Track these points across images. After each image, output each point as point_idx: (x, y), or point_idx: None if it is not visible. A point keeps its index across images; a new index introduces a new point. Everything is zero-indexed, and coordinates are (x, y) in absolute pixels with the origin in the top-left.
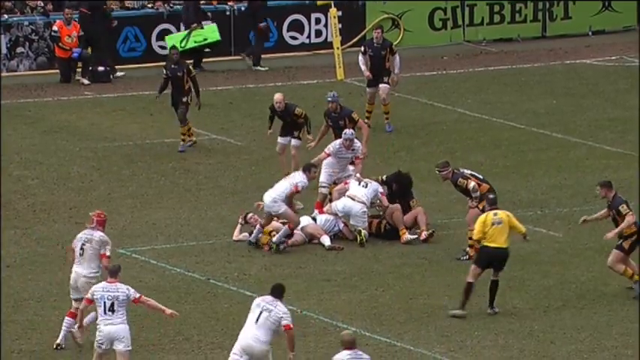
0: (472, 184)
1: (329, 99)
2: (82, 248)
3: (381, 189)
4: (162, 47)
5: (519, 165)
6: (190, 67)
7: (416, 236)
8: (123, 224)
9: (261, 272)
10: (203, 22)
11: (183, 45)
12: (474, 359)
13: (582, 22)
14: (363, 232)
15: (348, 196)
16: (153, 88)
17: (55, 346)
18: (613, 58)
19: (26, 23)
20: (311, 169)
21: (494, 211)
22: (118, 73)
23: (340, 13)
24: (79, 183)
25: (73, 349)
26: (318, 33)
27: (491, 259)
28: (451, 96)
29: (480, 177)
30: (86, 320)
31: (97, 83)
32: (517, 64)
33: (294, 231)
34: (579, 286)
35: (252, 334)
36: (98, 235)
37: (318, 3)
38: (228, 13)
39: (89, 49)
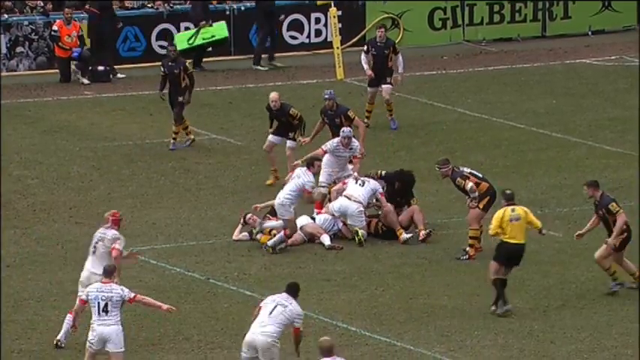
0: (470, 184)
1: (326, 96)
2: (94, 246)
3: (380, 189)
4: (162, 47)
5: (519, 165)
6: (187, 64)
7: (411, 235)
8: (122, 224)
9: (261, 272)
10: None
11: (191, 42)
12: (474, 359)
13: (582, 21)
14: (360, 232)
15: (345, 196)
16: (153, 88)
17: (55, 342)
18: (613, 57)
19: (26, 23)
20: (314, 164)
21: (512, 207)
22: (119, 75)
23: (340, 13)
24: (79, 183)
25: (73, 349)
26: (318, 32)
27: (511, 255)
28: (451, 96)
29: (480, 175)
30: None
31: (97, 83)
32: (517, 64)
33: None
34: (579, 285)
35: (259, 326)
36: (111, 233)
37: (318, 3)
38: (227, 12)
39: (89, 49)
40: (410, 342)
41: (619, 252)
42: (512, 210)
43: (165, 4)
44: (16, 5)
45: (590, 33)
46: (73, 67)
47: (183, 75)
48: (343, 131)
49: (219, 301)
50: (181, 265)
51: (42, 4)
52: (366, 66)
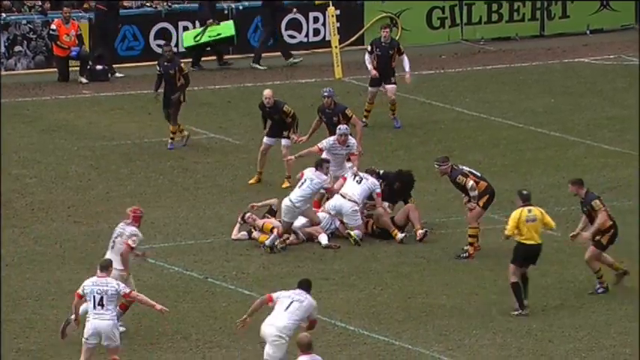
0: (470, 182)
1: (325, 94)
2: (113, 241)
3: (378, 188)
4: (160, 46)
5: (517, 164)
6: (183, 64)
7: (406, 234)
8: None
9: (260, 271)
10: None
11: (197, 39)
12: (472, 358)
13: (580, 20)
14: (353, 233)
15: (340, 194)
16: (151, 87)
17: (65, 321)
18: (611, 56)
19: (24, 22)
20: (323, 165)
21: (528, 208)
22: (117, 74)
23: (338, 12)
24: (77, 182)
25: (72, 348)
26: (317, 32)
27: (528, 255)
28: (449, 95)
29: (478, 174)
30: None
31: (95, 82)
32: (515, 63)
33: (291, 228)
34: (577, 285)
35: (274, 319)
36: (130, 229)
37: (316, 2)
38: (226, 11)
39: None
40: (408, 341)
41: (605, 250)
42: (529, 211)
43: (164, 3)
44: (14, 4)
45: (588, 32)
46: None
47: (179, 75)
48: (339, 129)
49: (217, 300)
50: (180, 264)
51: (40, 3)
52: (370, 66)
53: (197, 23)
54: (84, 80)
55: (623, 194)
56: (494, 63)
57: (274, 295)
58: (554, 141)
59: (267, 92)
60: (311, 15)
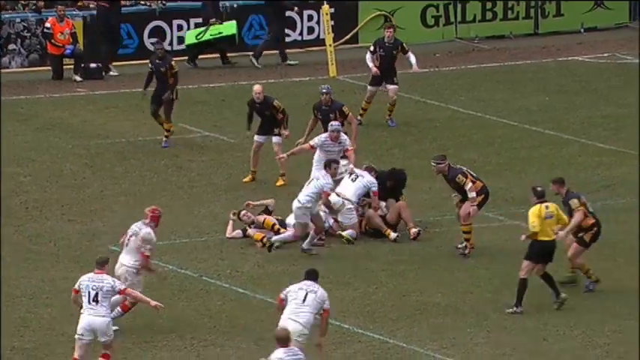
0: (470, 183)
1: (323, 90)
2: (128, 239)
3: (374, 185)
4: (153, 44)
5: (512, 162)
6: (174, 62)
7: (399, 234)
8: (116, 221)
9: (254, 269)
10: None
11: (199, 37)
12: (467, 356)
13: (574, 19)
14: (345, 234)
15: (335, 193)
16: (153, 86)
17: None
18: (605, 55)
19: (18, 20)
20: (331, 165)
21: (545, 204)
22: (112, 73)
23: (333, 10)
24: (72, 180)
25: (66, 346)
26: (311, 30)
27: (544, 252)
28: (444, 93)
29: (474, 174)
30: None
31: (90, 80)
32: (509, 62)
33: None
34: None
35: (294, 314)
36: (145, 231)
37: None
38: (221, 9)
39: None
40: (403, 339)
41: (588, 247)
42: (547, 207)
43: (158, 2)
44: (8, 2)
45: (582, 30)
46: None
47: (170, 73)
48: (332, 125)
49: (212, 298)
50: (174, 262)
51: (34, 1)
52: (371, 64)
53: (191, 21)
54: (78, 78)
55: (617, 193)
56: (488, 61)
57: (282, 294)
58: (548, 139)
59: (257, 87)
60: (305, 13)
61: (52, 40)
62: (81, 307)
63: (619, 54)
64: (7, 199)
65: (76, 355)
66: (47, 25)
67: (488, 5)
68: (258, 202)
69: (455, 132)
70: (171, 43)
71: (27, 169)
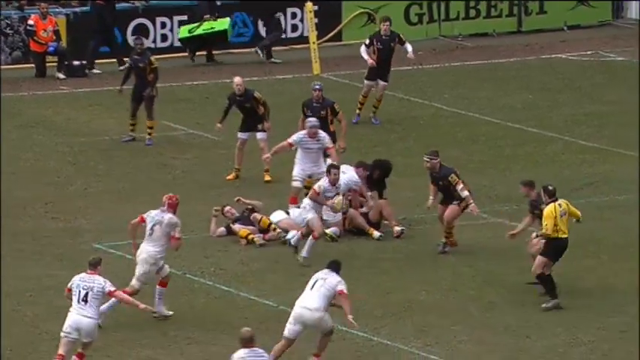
0: (461, 184)
1: (316, 87)
2: (152, 229)
3: (355, 185)
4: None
5: (496, 160)
6: (153, 58)
7: (382, 234)
8: (99, 219)
9: (238, 267)
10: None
11: (192, 32)
12: (451, 354)
13: (557, 17)
14: (329, 232)
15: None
16: (128, 83)
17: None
18: (588, 52)
19: (1, 17)
20: (331, 171)
21: (558, 203)
22: (95, 71)
23: (317, 8)
24: (55, 178)
25: (50, 344)
26: (294, 28)
27: (562, 249)
28: (427, 91)
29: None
30: (103, 308)
31: (73, 78)
32: (493, 59)
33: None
34: (556, 281)
35: (304, 301)
36: (168, 217)
37: None
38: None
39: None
40: (387, 337)
41: None
42: (559, 205)
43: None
44: None
45: (565, 28)
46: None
47: (149, 69)
48: (309, 121)
49: (196, 296)
50: None
51: None
52: (366, 56)
53: (174, 19)
54: (61, 76)
55: (601, 190)
56: (472, 59)
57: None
58: (532, 137)
59: (237, 79)
60: (289, 11)
61: (35, 38)
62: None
63: (602, 52)
64: None
65: (60, 352)
66: (30, 22)
67: (472, 3)
68: (249, 201)
69: (439, 130)
70: (154, 41)
71: (10, 166)
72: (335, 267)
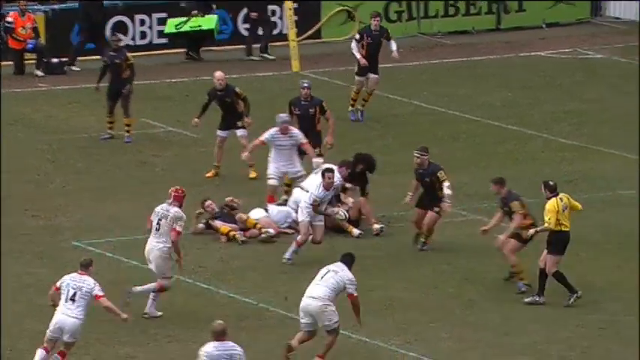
0: (448, 182)
1: (305, 84)
2: (158, 223)
3: (339, 177)
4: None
5: (476, 157)
6: (129, 55)
7: (361, 232)
8: (79, 217)
9: (218, 265)
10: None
11: (179, 27)
12: (431, 351)
13: (536, 14)
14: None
15: (300, 187)
16: (107, 81)
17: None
18: (567, 50)
19: None
20: (325, 175)
21: (559, 197)
22: (74, 68)
23: (296, 5)
24: (35, 175)
25: (29, 341)
26: (274, 25)
27: (566, 242)
28: (407, 88)
29: None
30: (141, 289)
31: (52, 75)
32: (473, 57)
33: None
34: (534, 278)
35: (310, 291)
36: (173, 210)
37: None
38: (183, 4)
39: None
40: (366, 334)
41: (525, 244)
42: (561, 199)
43: None
44: None
45: (544, 26)
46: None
47: (125, 65)
48: (279, 117)
49: (175, 294)
50: (138, 258)
51: None
52: (358, 55)
53: (153, 17)
54: (40, 73)
55: (580, 188)
56: (451, 57)
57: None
58: (512, 135)
59: (218, 74)
60: (268, 8)
61: (14, 35)
62: (54, 305)
63: (581, 49)
64: None
65: (45, 345)
66: (9, 19)
67: (451, 1)
68: (237, 200)
69: (418, 127)
70: (133, 38)
71: None
72: (347, 260)
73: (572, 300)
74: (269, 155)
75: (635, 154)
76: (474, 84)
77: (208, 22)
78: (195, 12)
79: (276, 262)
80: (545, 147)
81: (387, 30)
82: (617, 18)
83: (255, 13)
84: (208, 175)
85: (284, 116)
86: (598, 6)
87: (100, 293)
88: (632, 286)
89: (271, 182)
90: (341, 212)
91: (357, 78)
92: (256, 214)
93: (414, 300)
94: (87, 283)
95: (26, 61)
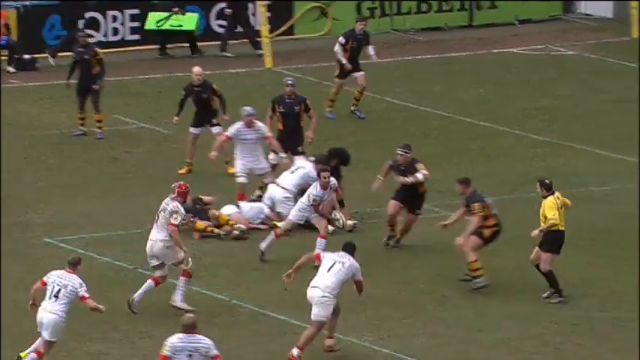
0: (425, 171)
1: (289, 82)
2: (157, 215)
3: (311, 180)
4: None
5: (448, 154)
6: (98, 50)
7: (334, 229)
8: (51, 213)
9: (191, 261)
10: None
11: (159, 25)
12: (404, 347)
13: (509, 11)
14: (280, 225)
15: (275, 183)
16: (77, 77)
17: (128, 301)
18: (539, 47)
19: None
20: (321, 175)
21: (556, 195)
22: (50, 60)
23: (269, 2)
24: (6, 172)
25: (10, 339)
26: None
27: (562, 241)
28: (380, 85)
29: None
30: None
31: (23, 71)
32: (445, 53)
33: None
34: (507, 274)
35: (316, 280)
36: (172, 204)
37: None
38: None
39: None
40: (339, 331)
41: (486, 243)
42: (557, 198)
43: None
44: None
45: (517, 22)
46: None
47: (95, 61)
48: (245, 110)
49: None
50: (109, 254)
51: None
52: (344, 60)
53: (125, 13)
54: (11, 70)
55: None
56: (424, 53)
57: (322, 254)
58: (484, 131)
59: (196, 69)
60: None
61: None
62: (33, 304)
63: (552, 46)
64: None
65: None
66: None
67: None
68: (206, 198)
69: (391, 123)
70: (105, 35)
71: None
72: (350, 249)
73: (551, 297)
74: (234, 152)
75: (606, 150)
76: (447, 80)
77: (189, 22)
78: (176, 9)
79: (248, 259)
80: (518, 143)
81: (369, 35)
82: (589, 15)
83: (229, 10)
84: (181, 171)
85: (249, 109)
86: (570, 3)
87: (86, 295)
88: (605, 283)
89: (240, 180)
90: (341, 219)
91: (338, 80)
92: (228, 210)
93: (386, 296)
94: (73, 282)
95: None
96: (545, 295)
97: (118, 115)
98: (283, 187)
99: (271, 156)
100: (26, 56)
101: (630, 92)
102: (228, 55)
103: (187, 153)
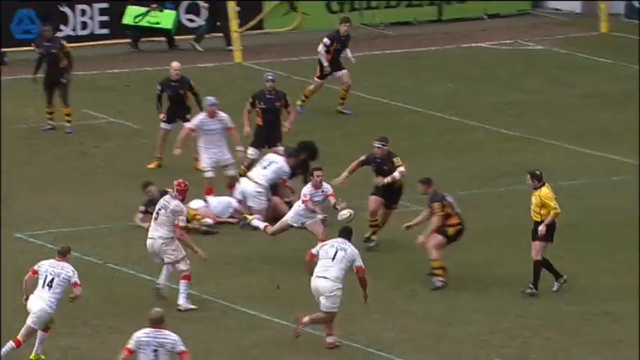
0: (403, 168)
1: (269, 77)
2: (157, 213)
3: (285, 175)
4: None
5: (417, 148)
6: (65, 43)
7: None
8: (19, 208)
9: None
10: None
11: (137, 20)
12: (373, 342)
13: (478, 6)
14: (250, 218)
15: (247, 177)
16: (44, 71)
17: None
18: (508, 41)
19: None
20: (314, 174)
21: (547, 185)
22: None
23: None
24: None
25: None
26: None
27: (554, 231)
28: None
29: None
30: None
31: None
32: (414, 48)
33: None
34: (476, 268)
35: (323, 270)
36: (174, 203)
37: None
38: None
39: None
40: (310, 326)
41: (450, 241)
42: (548, 187)
43: None
44: None
45: (485, 17)
46: None
47: (62, 53)
48: (208, 100)
49: (117, 285)
50: (79, 249)
51: None
52: (326, 62)
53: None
54: None
55: (521, 178)
56: (393, 47)
57: (314, 250)
58: (453, 125)
59: (175, 64)
60: None
61: None
62: (27, 298)
63: (521, 40)
64: None
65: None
66: None
67: None
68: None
69: (360, 118)
70: (74, 29)
71: None
72: (348, 235)
73: (528, 290)
74: (198, 144)
75: (574, 144)
76: (416, 75)
77: (167, 19)
78: (155, 5)
79: (218, 254)
80: (487, 138)
81: (350, 37)
82: (558, 9)
83: (206, 4)
84: (150, 166)
85: (212, 99)
86: None
87: (79, 281)
88: (573, 277)
89: (208, 175)
90: (346, 211)
91: (318, 81)
92: (195, 204)
93: (356, 291)
94: (66, 270)
95: None
96: (525, 290)
97: (87, 110)
98: (256, 182)
99: (250, 150)
100: None
101: (599, 87)
102: (199, 48)
103: (157, 148)
